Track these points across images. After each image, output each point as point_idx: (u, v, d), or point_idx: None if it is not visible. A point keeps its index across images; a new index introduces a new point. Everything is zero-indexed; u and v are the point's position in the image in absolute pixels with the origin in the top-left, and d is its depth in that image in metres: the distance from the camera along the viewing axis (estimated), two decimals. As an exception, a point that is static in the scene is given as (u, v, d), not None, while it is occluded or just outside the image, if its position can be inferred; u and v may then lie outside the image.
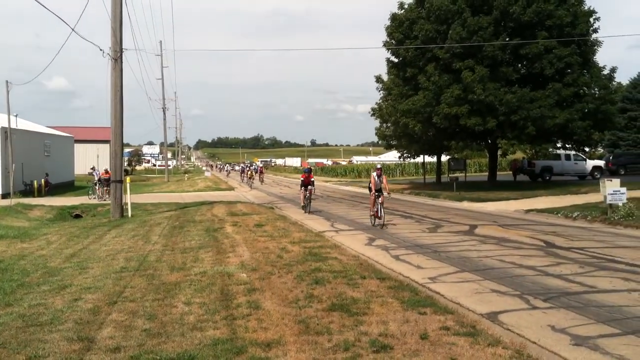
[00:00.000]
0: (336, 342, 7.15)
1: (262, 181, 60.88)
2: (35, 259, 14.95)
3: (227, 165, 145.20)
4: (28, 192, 42.38)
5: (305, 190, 26.95)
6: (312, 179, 27.17)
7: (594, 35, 36.20)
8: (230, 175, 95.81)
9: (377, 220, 20.85)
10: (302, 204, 27.68)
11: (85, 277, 11.90)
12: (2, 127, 39.71)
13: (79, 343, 7.36)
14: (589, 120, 34.10)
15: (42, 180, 44.81)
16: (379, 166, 22.68)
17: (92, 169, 42.98)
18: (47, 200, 37.23)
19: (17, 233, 21.13)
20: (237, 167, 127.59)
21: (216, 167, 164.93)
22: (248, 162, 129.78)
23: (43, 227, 24.66)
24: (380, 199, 20.70)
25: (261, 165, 71.53)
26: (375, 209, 20.82)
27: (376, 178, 21.27)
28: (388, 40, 40.46)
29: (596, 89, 35.79)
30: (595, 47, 36.39)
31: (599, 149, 58.16)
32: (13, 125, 40.35)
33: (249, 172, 59.28)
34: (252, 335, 7.50)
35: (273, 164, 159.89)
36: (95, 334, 7.76)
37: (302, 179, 27.29)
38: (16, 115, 44.23)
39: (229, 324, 8.05)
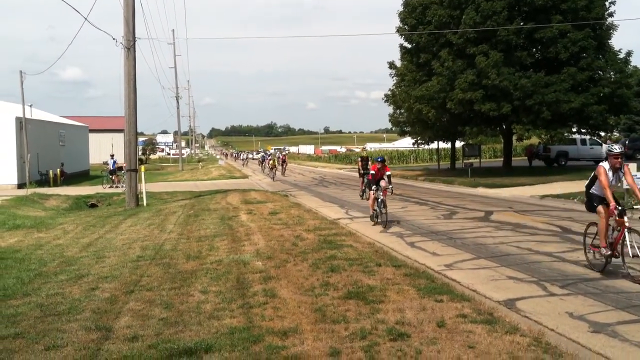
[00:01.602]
0: (353, 331, 7.13)
1: (284, 172, 51.72)
2: (52, 248, 15.04)
3: (243, 153, 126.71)
4: (44, 181, 42.61)
5: (378, 189, 17.46)
6: (389, 173, 17.63)
7: (609, 19, 35.81)
8: (248, 164, 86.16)
9: (610, 260, 10.37)
10: (371, 212, 18.22)
11: (102, 266, 11.95)
12: (17, 117, 39.92)
13: (97, 332, 7.39)
14: (604, 105, 33.81)
15: (58, 169, 45.03)
16: (616, 148, 10.42)
17: (111, 156, 42.84)
18: (62, 189, 37.39)
19: (34, 223, 21.25)
20: (251, 155, 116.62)
21: (231, 155, 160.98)
22: (262, 149, 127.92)
23: (59, 216, 24.81)
24: (625, 218, 9.95)
25: (284, 153, 60.53)
26: (613, 239, 10.26)
27: (610, 174, 10.27)
28: (401, 26, 40.29)
29: (612, 73, 35.47)
30: (611, 31, 36.00)
31: (615, 133, 57.67)
32: (28, 115, 40.59)
33: (271, 162, 48.32)
34: (268, 324, 7.50)
35: (287, 152, 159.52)
36: (113, 323, 7.79)
37: (373, 171, 17.88)
38: (31, 105, 44.48)
39: (245, 313, 8.06)
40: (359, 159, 25.40)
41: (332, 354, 6.39)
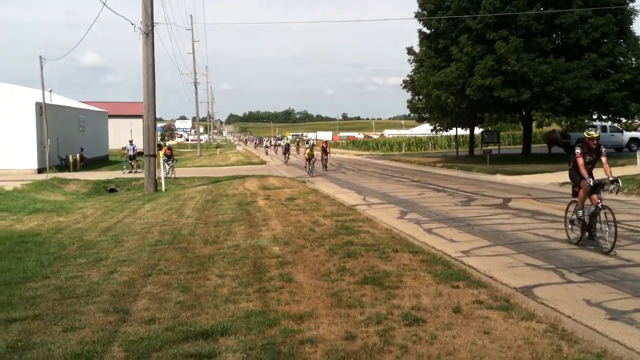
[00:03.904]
0: (368, 315, 7.15)
1: (326, 165, 39.54)
2: (71, 232, 15.18)
3: (266, 139, 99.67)
4: (63, 166, 42.99)
5: None
6: None
7: (631, 4, 35.36)
8: (277, 153, 68.39)
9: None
10: None
11: (121, 250, 12.06)
12: (37, 103, 40.23)
13: (115, 315, 7.46)
14: (625, 91, 33.42)
15: (77, 154, 45.42)
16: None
17: (130, 142, 43.05)
18: (82, 174, 37.72)
19: (54, 207, 21.46)
20: (281, 142, 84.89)
21: (250, 141, 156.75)
22: (279, 135, 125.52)
23: (79, 201, 25.02)
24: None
25: (326, 140, 48.05)
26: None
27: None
28: (420, 11, 40.04)
29: (633, 59, 35.03)
30: (632, 16, 35.52)
31: (636, 120, 56.98)
32: (47, 101, 40.86)
33: (308, 151, 35.32)
34: (284, 308, 7.53)
35: (305, 138, 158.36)
36: (131, 305, 7.86)
37: None
38: (50, 91, 44.79)
39: (261, 297, 8.10)
40: (578, 143, 12.61)
41: (347, 338, 6.41)
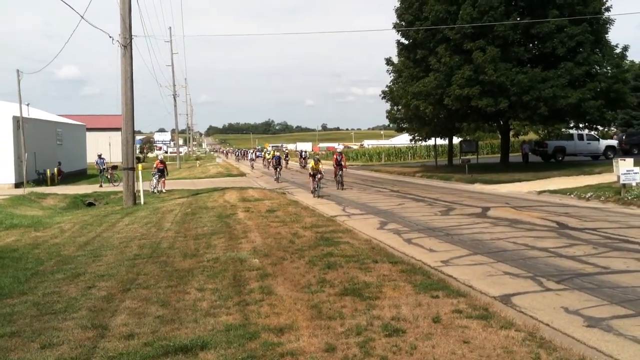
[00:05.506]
0: (349, 327, 7.15)
1: (341, 183, 30.76)
2: (49, 247, 15.03)
3: (252, 151, 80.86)
4: (41, 180, 42.61)
5: None
6: None
7: (606, 14, 35.84)
8: (266, 168, 57.67)
9: None
10: None
11: (99, 264, 11.96)
12: (14, 116, 39.88)
13: (93, 330, 7.40)
14: (601, 100, 33.85)
15: (55, 168, 45.05)
16: None
17: (99, 156, 42.80)
18: (60, 188, 37.42)
19: (31, 222, 21.24)
20: (262, 154, 73.36)
21: (231, 153, 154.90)
22: (259, 147, 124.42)
23: (56, 215, 24.79)
24: None
25: (339, 152, 36.55)
26: None
27: None
28: (398, 22, 40.29)
29: (608, 68, 35.54)
30: (607, 26, 36.02)
31: (612, 129, 57.69)
32: (25, 114, 40.54)
33: (312, 164, 27.79)
34: (264, 321, 7.51)
35: (285, 149, 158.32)
36: (109, 321, 7.80)
37: None
38: (28, 104, 44.45)
39: (241, 310, 8.07)
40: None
41: (327, 350, 6.41)
